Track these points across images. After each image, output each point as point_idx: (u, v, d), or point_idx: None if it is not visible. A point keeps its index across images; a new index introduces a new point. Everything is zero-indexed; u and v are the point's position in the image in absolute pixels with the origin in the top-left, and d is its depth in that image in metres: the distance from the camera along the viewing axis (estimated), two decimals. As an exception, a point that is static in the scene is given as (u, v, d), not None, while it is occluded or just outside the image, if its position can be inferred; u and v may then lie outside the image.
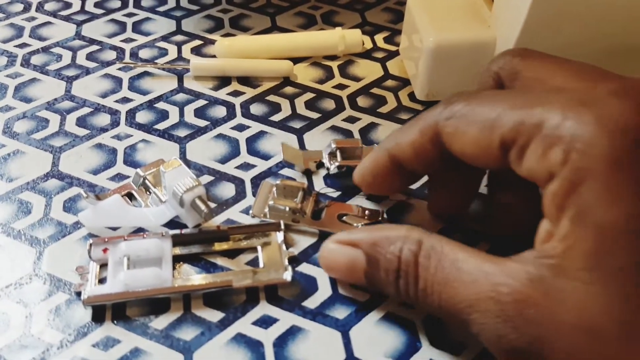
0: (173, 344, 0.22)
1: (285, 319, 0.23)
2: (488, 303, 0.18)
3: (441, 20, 0.31)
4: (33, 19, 0.38)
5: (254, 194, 0.27)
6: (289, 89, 0.34)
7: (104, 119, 0.31)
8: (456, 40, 0.30)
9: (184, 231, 0.25)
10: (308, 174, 0.29)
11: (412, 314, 0.23)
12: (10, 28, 0.37)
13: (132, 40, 0.37)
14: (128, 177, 0.28)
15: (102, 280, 0.24)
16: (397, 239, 0.21)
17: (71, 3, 0.40)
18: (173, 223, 0.25)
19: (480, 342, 0.19)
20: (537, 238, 0.19)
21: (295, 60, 0.35)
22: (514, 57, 0.23)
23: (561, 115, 0.18)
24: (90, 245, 0.24)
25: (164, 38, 0.37)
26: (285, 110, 0.32)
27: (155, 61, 0.35)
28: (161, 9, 0.40)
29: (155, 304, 0.23)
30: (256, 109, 0.32)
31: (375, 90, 0.34)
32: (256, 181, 0.28)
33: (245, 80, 0.34)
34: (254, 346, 0.22)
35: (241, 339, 0.22)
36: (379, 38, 0.38)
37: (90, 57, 0.35)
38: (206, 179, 0.28)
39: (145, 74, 0.34)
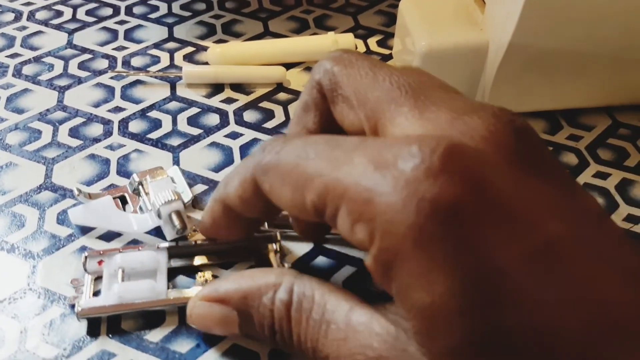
0: (169, 356, 0.22)
1: (281, 329, 0.23)
2: None
3: (433, 24, 0.31)
4: (24, 28, 0.38)
5: (248, 203, 0.27)
6: (282, 95, 0.34)
7: (96, 129, 0.31)
8: (449, 43, 0.30)
9: (180, 244, 0.25)
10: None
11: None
12: (1, 38, 0.37)
13: (124, 48, 0.37)
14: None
15: (97, 293, 0.24)
16: (267, 288, 0.20)
17: (62, 11, 0.40)
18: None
19: None
20: None
21: (288, 66, 0.35)
22: (334, 64, 0.21)
23: (364, 184, 0.16)
24: (86, 257, 0.24)
25: (156, 45, 0.37)
26: (279, 117, 0.32)
27: (148, 69, 0.35)
28: (153, 15, 0.40)
29: (151, 316, 0.23)
30: (250, 116, 0.32)
31: (368, 95, 0.34)
32: (250, 189, 0.28)
33: (238, 87, 0.34)
34: (251, 357, 0.22)
35: (237, 350, 0.22)
36: (372, 42, 0.38)
37: (82, 66, 0.35)
38: (200, 188, 0.28)
39: (138, 82, 0.34)
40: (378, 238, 0.16)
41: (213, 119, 0.32)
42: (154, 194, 0.25)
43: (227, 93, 0.34)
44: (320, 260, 0.25)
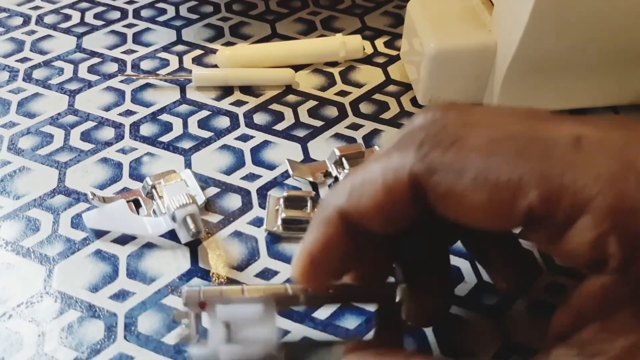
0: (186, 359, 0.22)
1: (297, 331, 0.23)
2: None
3: (441, 25, 0.32)
4: (33, 32, 0.38)
5: (260, 205, 0.28)
6: (291, 97, 0.34)
7: (108, 133, 0.31)
8: (457, 45, 0.31)
9: (289, 289, 0.20)
10: (313, 184, 0.29)
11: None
12: (10, 42, 0.38)
13: (133, 51, 0.37)
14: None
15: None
16: None
17: (70, 15, 0.40)
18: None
19: None
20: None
21: (297, 68, 0.35)
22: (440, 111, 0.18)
23: (614, 190, 0.14)
24: (186, 298, 0.20)
25: (165, 48, 0.37)
26: (289, 119, 0.33)
27: (157, 72, 0.35)
28: (161, 18, 0.40)
29: (169, 318, 0.23)
30: (259, 118, 0.32)
31: (377, 96, 0.34)
32: (262, 192, 0.28)
33: (248, 90, 0.34)
34: None
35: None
36: (380, 43, 0.38)
37: (91, 70, 0.35)
38: (212, 190, 0.28)
39: (148, 85, 0.34)
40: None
41: (223, 122, 0.32)
42: (168, 198, 0.25)
43: (237, 95, 0.34)
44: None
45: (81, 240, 0.26)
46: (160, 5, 0.41)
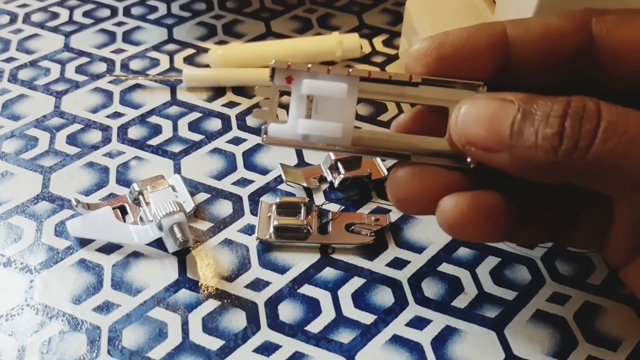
0: (172, 375, 0.21)
1: (288, 345, 0.22)
2: None
3: (442, 24, 0.30)
4: (20, 31, 0.37)
5: (252, 212, 0.27)
6: (286, 98, 0.33)
7: (95, 136, 0.30)
8: (457, 44, 0.29)
9: (372, 75, 0.20)
10: (308, 190, 0.28)
11: (420, 336, 0.22)
12: (-4, 41, 0.36)
13: (122, 50, 0.36)
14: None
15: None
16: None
17: (59, 13, 0.39)
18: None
19: None
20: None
21: (291, 68, 0.34)
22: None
23: None
24: (273, 69, 0.20)
25: (155, 48, 0.36)
26: (284, 121, 0.31)
27: (147, 72, 0.34)
28: (151, 16, 0.39)
29: (156, 332, 0.22)
30: (253, 120, 0.31)
31: (374, 97, 0.33)
32: (254, 197, 0.27)
33: (241, 90, 0.33)
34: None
35: None
36: (378, 41, 0.37)
37: (79, 70, 0.34)
38: (202, 196, 0.27)
39: (137, 86, 0.33)
40: None
41: (215, 124, 0.31)
42: (155, 205, 0.24)
43: (229, 97, 0.33)
44: (328, 271, 0.24)
45: (65, 249, 0.25)
46: (151, 2, 0.40)
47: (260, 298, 0.23)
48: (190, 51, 0.36)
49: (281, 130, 0.20)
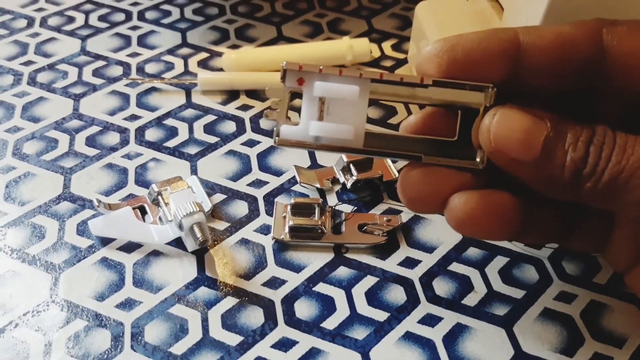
0: (193, 369, 0.22)
1: (305, 341, 0.23)
2: None
3: (450, 29, 0.31)
4: (37, 34, 0.38)
5: (267, 212, 0.27)
6: (298, 101, 0.33)
7: (113, 138, 0.31)
8: (466, 49, 0.30)
9: (384, 77, 0.20)
10: (321, 191, 0.29)
11: (432, 333, 0.23)
12: (14, 45, 0.37)
13: (137, 54, 0.37)
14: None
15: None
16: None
17: (75, 17, 0.40)
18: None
19: None
20: None
21: (303, 71, 0.35)
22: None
23: None
24: (285, 71, 0.20)
25: (170, 51, 0.37)
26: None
27: (162, 76, 0.35)
28: (165, 21, 0.39)
29: (177, 328, 0.23)
30: (266, 123, 0.32)
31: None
32: (269, 198, 0.28)
33: (254, 94, 0.34)
34: None
35: None
36: (387, 46, 0.38)
37: (96, 73, 0.35)
38: (218, 197, 0.28)
39: (153, 89, 0.34)
40: None
41: (229, 127, 0.32)
42: (175, 206, 0.25)
43: (243, 100, 0.34)
44: (342, 270, 0.25)
45: (87, 248, 0.26)
46: (165, 7, 0.41)
47: (277, 296, 0.24)
48: (203, 55, 0.37)
49: (293, 132, 0.20)
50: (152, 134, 0.31)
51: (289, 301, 0.24)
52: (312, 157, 0.30)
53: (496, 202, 0.20)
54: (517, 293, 0.24)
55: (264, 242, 0.26)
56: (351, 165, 0.28)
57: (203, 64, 0.36)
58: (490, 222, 0.20)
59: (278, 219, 0.27)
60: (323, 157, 0.30)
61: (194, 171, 0.29)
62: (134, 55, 0.37)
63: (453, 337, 0.23)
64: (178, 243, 0.26)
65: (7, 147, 0.30)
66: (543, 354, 0.22)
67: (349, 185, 0.28)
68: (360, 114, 0.20)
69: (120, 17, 0.40)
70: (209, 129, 0.32)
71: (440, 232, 0.27)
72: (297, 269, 0.25)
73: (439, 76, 0.20)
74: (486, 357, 0.22)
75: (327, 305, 0.24)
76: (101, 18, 0.40)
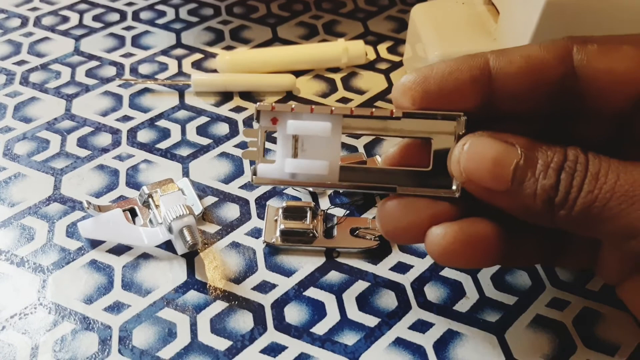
0: (181, 374, 0.22)
1: (294, 347, 0.22)
2: None
3: (446, 32, 0.31)
4: (31, 34, 0.38)
5: (258, 215, 0.27)
6: (292, 104, 0.33)
7: (105, 139, 0.31)
8: (462, 53, 0.30)
9: (354, 112, 0.21)
10: (313, 194, 0.28)
11: (422, 339, 0.23)
12: (8, 44, 0.37)
13: (131, 55, 0.36)
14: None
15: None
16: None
17: (69, 17, 0.39)
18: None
19: None
20: None
21: (298, 73, 0.35)
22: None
23: None
24: (258, 112, 0.21)
25: (164, 52, 0.37)
26: (289, 126, 0.32)
27: (156, 77, 0.35)
28: (160, 21, 0.39)
29: (166, 332, 0.23)
30: (256, 123, 0.32)
31: (379, 103, 0.34)
32: (261, 202, 0.28)
33: (248, 95, 0.34)
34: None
35: None
36: (382, 48, 0.38)
37: (89, 73, 0.35)
38: (210, 200, 0.28)
39: (146, 90, 0.34)
40: None
41: (222, 129, 0.32)
42: (165, 208, 0.25)
43: (237, 101, 0.33)
44: (333, 275, 0.25)
45: (76, 250, 0.25)
46: (160, 7, 0.40)
47: (266, 300, 0.24)
48: (198, 56, 0.36)
49: (270, 170, 0.21)
50: (144, 135, 0.31)
51: (279, 306, 0.24)
52: (305, 159, 0.30)
53: (475, 233, 0.20)
54: (509, 299, 0.24)
55: (255, 245, 0.26)
56: (344, 169, 0.28)
57: (197, 65, 0.36)
58: (470, 254, 0.20)
59: (269, 223, 0.26)
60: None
61: (185, 173, 0.29)
62: (127, 55, 0.36)
63: (444, 343, 0.23)
64: (168, 246, 0.25)
65: (-2, 147, 0.30)
66: (534, 361, 0.22)
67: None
68: (334, 149, 0.21)
69: (115, 17, 0.40)
70: (201, 130, 0.31)
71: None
72: (288, 273, 0.25)
73: (414, 108, 0.20)
74: (477, 364, 0.22)
75: (318, 310, 0.24)
76: (95, 18, 0.39)
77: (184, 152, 0.30)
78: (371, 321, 0.23)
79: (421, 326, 0.23)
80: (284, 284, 0.24)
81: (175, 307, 0.23)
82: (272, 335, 0.23)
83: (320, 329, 0.23)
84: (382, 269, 0.25)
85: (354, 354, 0.22)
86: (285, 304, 0.24)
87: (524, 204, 0.18)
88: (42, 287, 0.24)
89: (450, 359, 0.22)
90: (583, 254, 0.22)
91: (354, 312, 0.24)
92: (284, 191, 0.28)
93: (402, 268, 0.25)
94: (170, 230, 0.24)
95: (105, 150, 0.30)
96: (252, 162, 0.21)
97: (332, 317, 0.23)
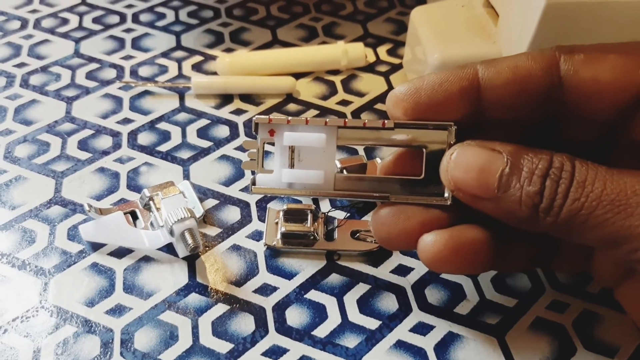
0: (183, 377, 0.22)
1: (295, 349, 0.22)
2: None
3: (446, 35, 0.31)
4: (30, 36, 0.38)
5: (259, 218, 0.27)
6: (292, 106, 0.34)
7: (105, 142, 0.31)
8: (461, 56, 0.30)
9: (348, 123, 0.21)
10: (314, 197, 0.28)
11: (423, 342, 0.23)
12: (8, 47, 0.37)
13: (131, 57, 0.36)
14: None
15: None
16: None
17: (68, 19, 0.39)
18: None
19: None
20: None
21: (298, 76, 0.35)
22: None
23: None
24: (256, 124, 0.22)
25: (164, 54, 0.37)
26: (289, 128, 0.32)
27: (156, 79, 0.35)
28: (160, 23, 0.39)
29: (167, 335, 0.23)
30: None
31: (379, 106, 0.34)
32: (261, 204, 0.28)
33: (248, 98, 0.34)
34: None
35: None
36: (382, 50, 0.38)
37: (89, 76, 0.35)
38: (211, 202, 0.28)
39: (146, 92, 0.34)
40: None
41: (223, 131, 0.32)
42: (166, 211, 0.25)
43: (237, 104, 0.33)
44: (334, 277, 0.25)
45: (77, 253, 0.25)
46: (160, 9, 0.40)
47: (268, 303, 0.24)
48: (198, 58, 0.36)
49: (268, 180, 0.22)
50: (144, 138, 0.31)
51: (280, 308, 0.24)
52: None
53: (465, 240, 0.20)
54: (510, 302, 0.24)
55: (256, 248, 0.26)
56: (344, 171, 0.28)
57: (197, 67, 0.36)
58: (461, 261, 0.20)
59: (270, 225, 0.27)
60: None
61: (186, 176, 0.29)
62: (127, 58, 0.36)
63: (445, 345, 0.23)
64: (169, 249, 0.26)
65: (-1, 150, 0.30)
66: (535, 364, 0.22)
67: (342, 191, 0.28)
68: (330, 158, 0.22)
69: (115, 19, 0.40)
70: (202, 133, 0.32)
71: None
72: (289, 275, 0.25)
73: (406, 119, 0.21)
74: (477, 366, 0.22)
75: (319, 313, 0.24)
76: (95, 20, 0.39)
77: (185, 154, 0.30)
78: (372, 324, 0.23)
79: (422, 329, 0.23)
80: (285, 287, 0.25)
81: (177, 310, 0.24)
82: (273, 338, 0.23)
83: (321, 331, 0.23)
84: (383, 272, 0.25)
85: (355, 356, 0.22)
86: (286, 307, 0.24)
87: (510, 211, 0.18)
88: (43, 290, 0.24)
89: (450, 361, 0.22)
90: (577, 258, 0.22)
91: (355, 315, 0.24)
92: (284, 194, 0.28)
93: (402, 271, 0.25)
94: (171, 233, 0.24)
95: (105, 152, 0.30)
96: (251, 172, 0.22)
97: (333, 319, 0.23)
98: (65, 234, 0.26)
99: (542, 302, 0.24)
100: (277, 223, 0.26)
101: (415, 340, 0.23)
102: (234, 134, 0.32)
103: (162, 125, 0.32)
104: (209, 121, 0.32)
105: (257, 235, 0.26)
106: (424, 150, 0.21)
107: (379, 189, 0.22)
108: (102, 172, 0.29)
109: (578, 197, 0.17)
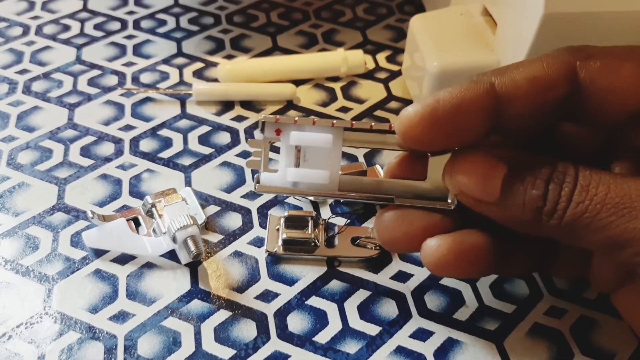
0: (186, 383, 0.22)
1: (297, 355, 0.23)
2: None
3: (444, 43, 0.31)
4: (32, 43, 0.38)
5: (261, 225, 0.28)
6: (292, 113, 0.34)
7: (107, 148, 0.31)
8: (460, 64, 0.30)
9: (354, 125, 0.21)
10: (315, 203, 0.29)
11: (423, 347, 0.23)
12: (10, 53, 0.37)
13: (132, 64, 0.37)
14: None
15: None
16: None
17: (70, 26, 0.40)
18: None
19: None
20: None
21: (298, 83, 0.35)
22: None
23: None
24: (263, 123, 0.22)
25: (165, 61, 0.37)
26: (289, 135, 0.32)
27: (157, 86, 0.35)
28: (161, 30, 0.40)
29: (170, 341, 0.23)
30: (260, 136, 0.32)
31: (378, 113, 0.34)
32: (263, 211, 0.28)
33: (249, 105, 0.34)
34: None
35: None
36: (381, 57, 0.38)
37: (91, 82, 0.35)
38: (212, 209, 0.28)
39: (148, 99, 0.34)
40: None
41: (224, 138, 0.32)
42: (169, 218, 0.25)
43: (238, 111, 0.34)
44: (335, 283, 0.25)
45: (81, 260, 0.26)
46: (161, 16, 0.41)
47: (269, 309, 0.24)
48: (199, 65, 0.37)
49: (272, 179, 0.22)
50: (146, 145, 0.31)
51: (281, 314, 0.24)
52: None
53: (468, 245, 0.20)
54: (508, 308, 0.25)
55: (257, 254, 0.26)
56: (345, 178, 0.29)
57: (198, 74, 0.36)
58: (464, 266, 0.21)
59: (271, 232, 0.27)
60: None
61: (188, 182, 0.29)
62: (129, 64, 0.37)
63: (444, 351, 0.23)
64: (172, 255, 0.26)
65: (1, 156, 0.30)
66: (533, 369, 0.23)
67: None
68: (335, 159, 0.22)
69: (116, 25, 0.40)
70: (203, 139, 0.32)
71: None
72: (290, 282, 0.25)
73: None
74: (476, 371, 0.23)
75: (320, 319, 0.24)
76: (97, 27, 0.40)
77: (186, 161, 0.31)
78: (372, 330, 0.24)
79: (422, 334, 0.24)
80: (287, 293, 0.25)
81: (180, 316, 0.24)
82: (275, 344, 0.23)
83: (322, 337, 0.23)
84: (383, 278, 0.26)
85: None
86: (287, 313, 0.24)
87: (513, 214, 0.18)
88: (47, 297, 0.24)
89: (450, 366, 0.23)
90: (576, 264, 0.22)
91: (355, 321, 0.24)
92: (285, 200, 0.29)
93: (402, 277, 0.26)
94: (174, 240, 0.25)
95: (108, 159, 0.30)
96: (255, 171, 0.22)
97: (334, 325, 0.24)
98: (69, 241, 0.27)
99: (540, 308, 0.25)
100: (278, 230, 0.27)
101: (415, 346, 0.23)
102: (235, 141, 0.32)
103: (164, 132, 0.32)
104: (210, 128, 0.33)
105: (258, 242, 0.27)
106: (429, 154, 0.21)
107: (384, 191, 0.22)
108: (104, 178, 0.29)
109: (582, 200, 0.17)
